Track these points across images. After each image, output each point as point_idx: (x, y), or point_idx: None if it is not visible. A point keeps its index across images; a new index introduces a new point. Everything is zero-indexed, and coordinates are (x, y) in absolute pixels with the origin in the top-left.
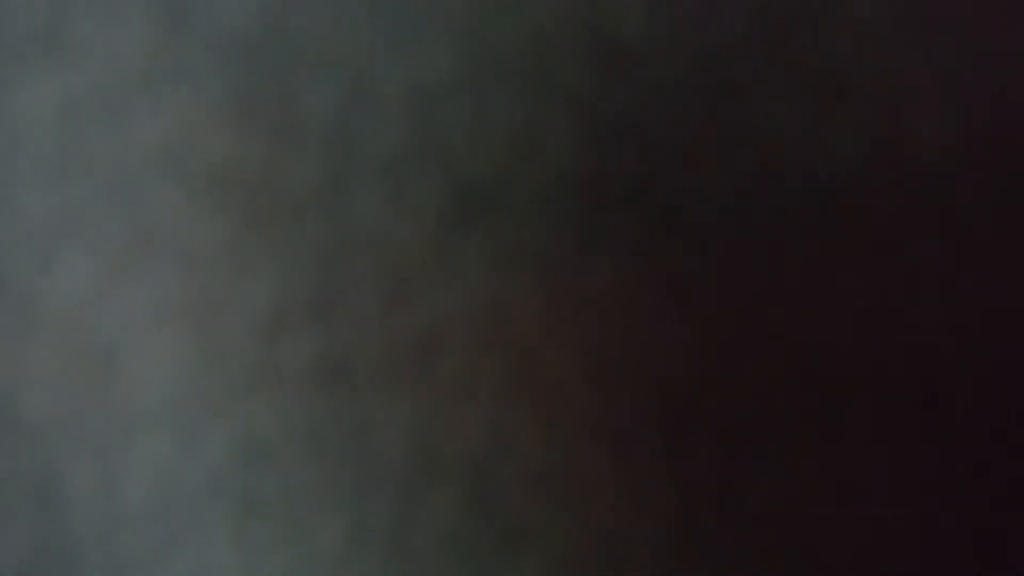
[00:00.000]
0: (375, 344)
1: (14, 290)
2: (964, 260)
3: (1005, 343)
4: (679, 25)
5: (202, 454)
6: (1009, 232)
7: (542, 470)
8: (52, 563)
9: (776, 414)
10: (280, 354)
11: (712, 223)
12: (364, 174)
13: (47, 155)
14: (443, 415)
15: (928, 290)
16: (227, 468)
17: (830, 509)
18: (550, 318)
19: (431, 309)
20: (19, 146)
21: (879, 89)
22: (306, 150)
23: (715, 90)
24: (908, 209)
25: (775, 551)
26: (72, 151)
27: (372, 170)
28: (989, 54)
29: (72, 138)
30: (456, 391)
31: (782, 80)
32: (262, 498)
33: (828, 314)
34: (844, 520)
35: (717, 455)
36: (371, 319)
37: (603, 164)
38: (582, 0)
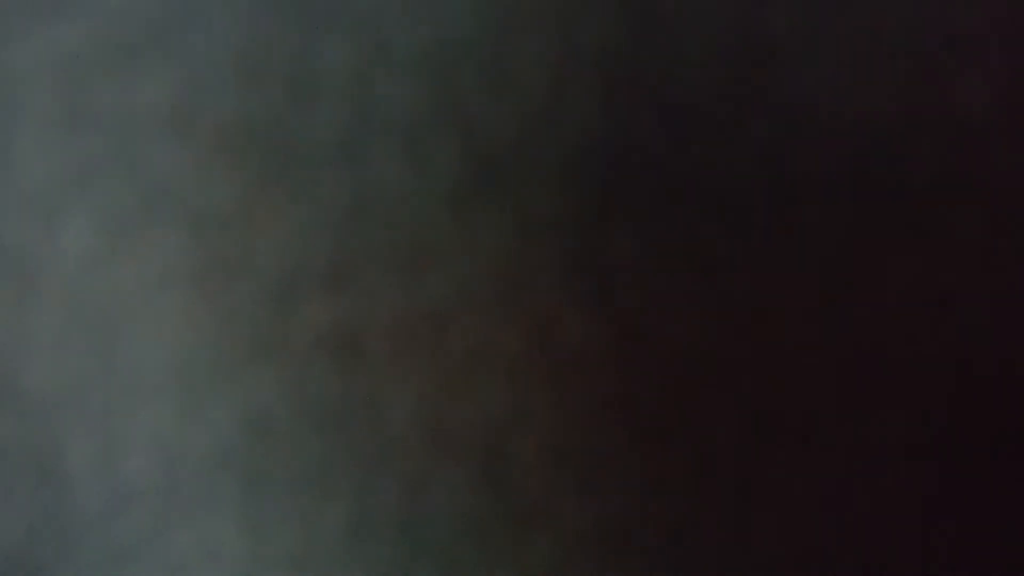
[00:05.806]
0: (388, 314)
1: (15, 254)
2: (1008, 230)
3: None
4: None
5: (207, 427)
6: None
7: (558, 447)
8: (52, 538)
9: (798, 391)
10: (290, 323)
11: (738, 192)
12: (381, 137)
13: (50, 112)
14: (456, 389)
15: (968, 264)
16: (233, 442)
17: (847, 489)
18: (569, 289)
19: (447, 278)
20: (20, 103)
21: (916, 48)
22: (321, 110)
23: (744, 53)
24: (948, 176)
25: (792, 529)
26: (76, 108)
27: (389, 133)
28: None
29: (76, 94)
30: (471, 364)
31: (815, 42)
32: (268, 473)
33: (858, 287)
34: (861, 500)
35: (736, 432)
36: (385, 288)
37: (627, 130)
38: None
